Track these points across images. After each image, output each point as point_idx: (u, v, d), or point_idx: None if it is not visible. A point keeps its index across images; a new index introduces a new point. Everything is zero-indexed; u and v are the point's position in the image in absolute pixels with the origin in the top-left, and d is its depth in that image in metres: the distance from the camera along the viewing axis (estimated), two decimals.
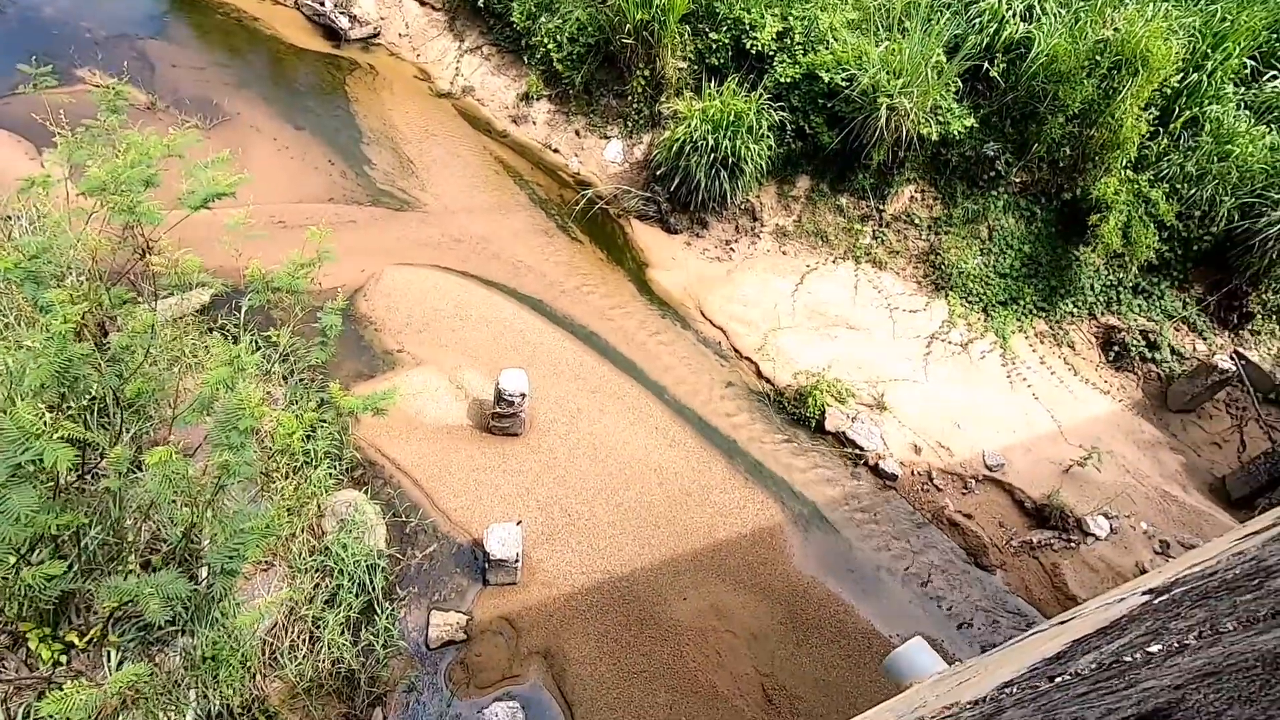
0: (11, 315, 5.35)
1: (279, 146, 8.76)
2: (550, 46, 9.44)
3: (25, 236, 5.52)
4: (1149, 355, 7.98)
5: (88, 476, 4.22)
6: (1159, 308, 8.17)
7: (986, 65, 8.07)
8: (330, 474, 5.74)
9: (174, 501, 3.88)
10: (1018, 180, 8.40)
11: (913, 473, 7.11)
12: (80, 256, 4.91)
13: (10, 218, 6.12)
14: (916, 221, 8.62)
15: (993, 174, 8.40)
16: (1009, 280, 8.32)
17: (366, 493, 5.90)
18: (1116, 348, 8.05)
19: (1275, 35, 8.19)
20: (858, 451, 7.10)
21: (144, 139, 4.82)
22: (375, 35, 10.68)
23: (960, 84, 8.07)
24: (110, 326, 5.13)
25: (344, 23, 10.49)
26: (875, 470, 7.06)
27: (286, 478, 5.49)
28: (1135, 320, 8.15)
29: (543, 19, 9.50)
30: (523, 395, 6.35)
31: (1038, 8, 8.09)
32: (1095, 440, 7.45)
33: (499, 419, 6.52)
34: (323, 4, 10.53)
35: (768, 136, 8.24)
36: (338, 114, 9.40)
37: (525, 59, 9.94)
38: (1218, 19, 7.95)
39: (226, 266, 6.10)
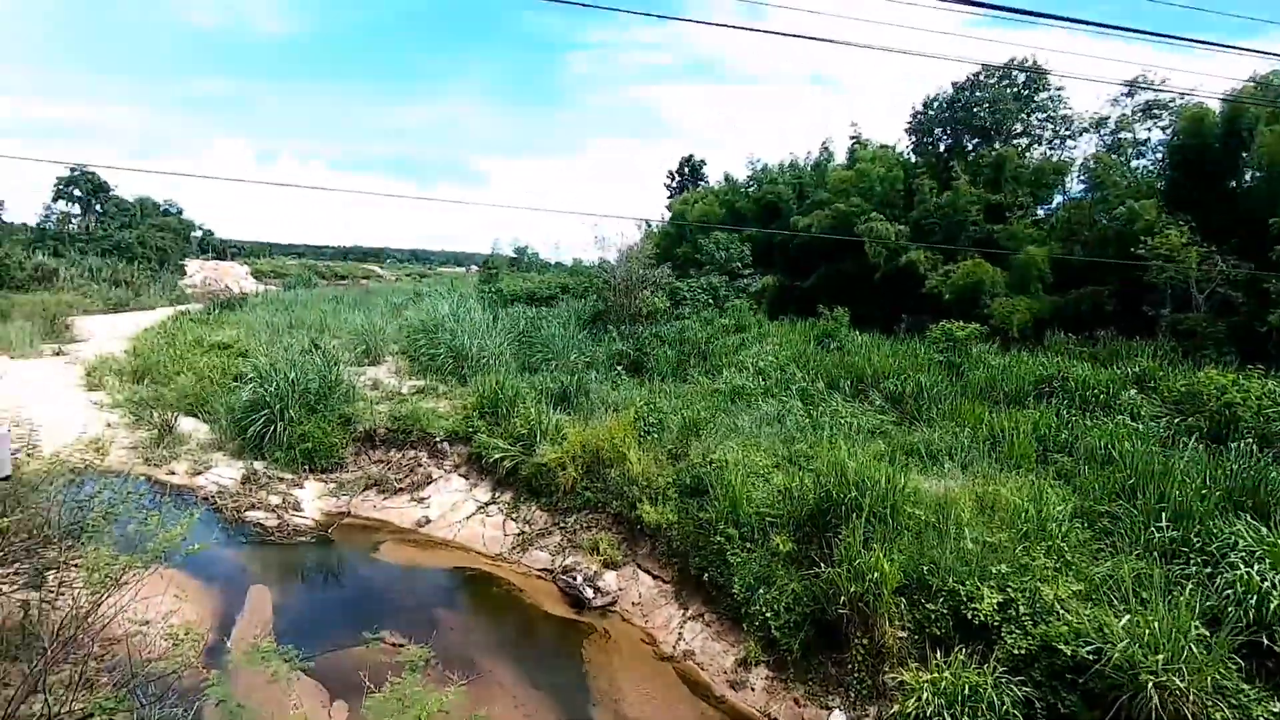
0: None
1: (516, 703, 9.44)
2: (768, 615, 10.08)
3: None
4: None
5: None
6: None
7: (1266, 640, 7.17)
8: None
9: None
10: None
11: None
12: None
13: None
14: None
15: None
16: None
17: None
18: None
19: None
20: None
21: (424, 693, 5.71)
22: (612, 603, 12.23)
23: (1241, 662, 7.10)
24: None
25: (589, 593, 12.28)
26: None
27: None
28: None
29: (760, 590, 10.44)
30: None
31: None
32: None
33: None
34: (574, 579, 12.61)
35: (1015, 718, 7.42)
36: (570, 673, 10.20)
37: (744, 625, 10.57)
38: None
39: None
